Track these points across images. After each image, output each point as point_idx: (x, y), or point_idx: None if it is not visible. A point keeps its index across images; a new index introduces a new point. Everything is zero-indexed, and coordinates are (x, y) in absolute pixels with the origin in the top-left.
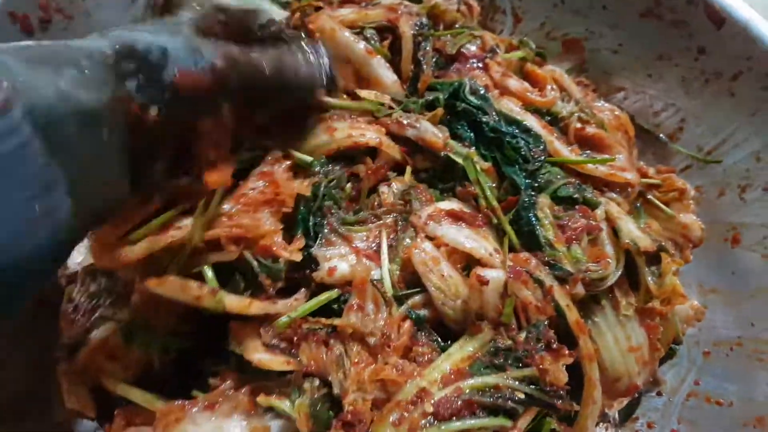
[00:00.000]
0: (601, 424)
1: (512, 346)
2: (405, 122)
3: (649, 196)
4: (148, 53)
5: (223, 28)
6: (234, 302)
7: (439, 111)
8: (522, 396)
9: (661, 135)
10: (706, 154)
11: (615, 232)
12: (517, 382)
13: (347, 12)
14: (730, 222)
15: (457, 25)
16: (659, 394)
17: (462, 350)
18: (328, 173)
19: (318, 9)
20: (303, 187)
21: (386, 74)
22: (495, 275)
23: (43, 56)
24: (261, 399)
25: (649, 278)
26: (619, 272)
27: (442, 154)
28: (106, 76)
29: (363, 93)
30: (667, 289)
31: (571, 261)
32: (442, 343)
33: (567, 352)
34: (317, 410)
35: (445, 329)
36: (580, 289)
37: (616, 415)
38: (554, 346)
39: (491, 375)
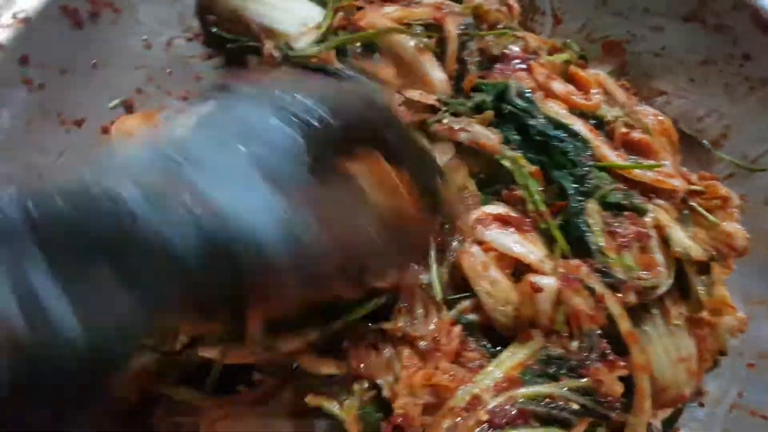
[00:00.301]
0: None
1: (564, 354)
2: (456, 127)
3: (692, 203)
4: (235, 246)
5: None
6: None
7: (489, 114)
8: (576, 406)
9: (704, 141)
10: (751, 162)
11: (664, 240)
12: (571, 393)
13: (392, 9)
14: None
15: (499, 26)
16: (701, 405)
17: (513, 357)
18: None
19: (359, 9)
20: None
21: (436, 73)
22: (548, 282)
23: (96, 279)
24: (310, 399)
25: (700, 288)
26: (671, 281)
27: (495, 157)
28: (178, 288)
29: (409, 94)
30: (718, 300)
31: (622, 269)
32: (492, 349)
33: (622, 363)
34: (366, 413)
35: (494, 334)
36: (632, 298)
37: (659, 425)
38: (610, 357)
39: (544, 384)
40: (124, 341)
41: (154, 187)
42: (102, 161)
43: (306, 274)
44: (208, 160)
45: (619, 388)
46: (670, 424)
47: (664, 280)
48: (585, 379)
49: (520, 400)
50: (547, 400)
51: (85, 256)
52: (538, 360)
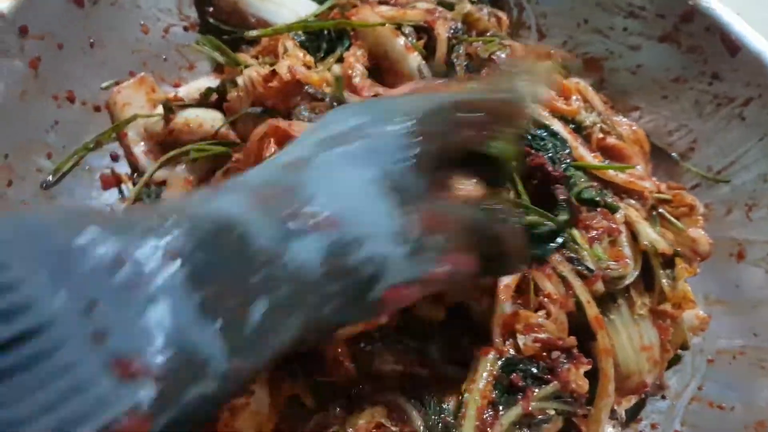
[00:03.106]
0: (609, 420)
1: (523, 359)
2: None
3: (661, 210)
4: (363, 267)
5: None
6: None
7: None
8: (551, 412)
9: (673, 153)
10: (715, 174)
11: (633, 236)
12: (544, 402)
13: (386, 9)
14: (736, 238)
15: (488, 34)
16: (663, 398)
17: (481, 377)
18: None
19: (354, 6)
20: None
21: (421, 72)
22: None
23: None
24: None
25: (664, 281)
26: (637, 272)
27: None
28: (301, 306)
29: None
30: (680, 294)
31: (592, 259)
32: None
33: (585, 360)
34: None
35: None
36: (600, 286)
37: (623, 414)
38: (574, 353)
39: (519, 404)
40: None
41: (275, 205)
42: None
43: (423, 291)
44: (332, 174)
45: (585, 385)
46: (633, 415)
47: (630, 271)
48: (552, 384)
49: (506, 428)
50: (525, 418)
51: (226, 283)
52: (501, 368)
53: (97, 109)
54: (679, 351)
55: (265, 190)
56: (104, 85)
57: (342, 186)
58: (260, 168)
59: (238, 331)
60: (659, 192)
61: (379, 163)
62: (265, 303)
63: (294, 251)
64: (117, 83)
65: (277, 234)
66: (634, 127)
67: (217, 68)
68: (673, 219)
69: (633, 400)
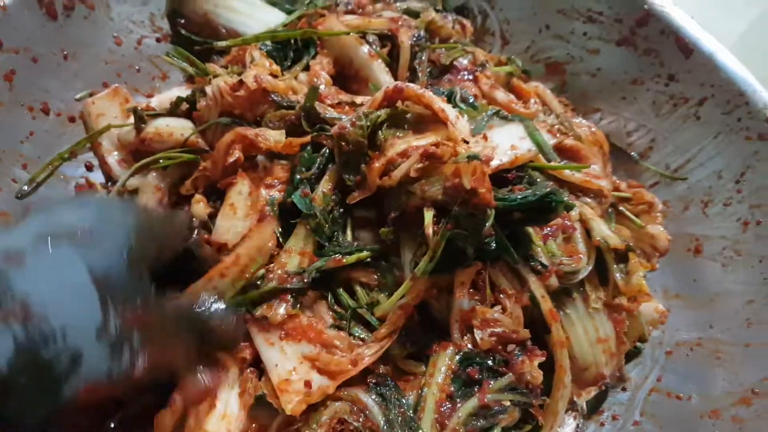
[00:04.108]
0: (569, 412)
1: (479, 353)
2: None
3: (621, 208)
4: (55, 362)
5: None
6: None
7: None
8: (507, 403)
9: (632, 153)
10: (673, 172)
11: (587, 233)
12: (499, 394)
13: (352, 18)
14: (693, 234)
15: (451, 41)
16: (624, 389)
17: (439, 371)
18: None
19: (322, 17)
20: None
21: (384, 78)
22: None
23: None
24: None
25: (618, 275)
26: (590, 267)
27: None
28: None
29: (359, 100)
30: (634, 288)
31: (546, 255)
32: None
33: (539, 352)
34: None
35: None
36: (554, 281)
37: (584, 406)
38: (528, 345)
39: (476, 396)
40: None
41: None
42: None
43: (117, 387)
44: (36, 262)
45: (539, 376)
46: (594, 407)
47: (584, 266)
48: (507, 376)
49: (463, 418)
50: (482, 409)
51: None
52: (458, 362)
53: (72, 119)
54: (639, 344)
55: None
56: (78, 96)
57: (53, 281)
58: None
59: None
60: (619, 190)
61: (97, 262)
62: None
63: None
64: (91, 94)
65: None
66: (593, 129)
67: (190, 78)
68: (632, 216)
69: (593, 392)
